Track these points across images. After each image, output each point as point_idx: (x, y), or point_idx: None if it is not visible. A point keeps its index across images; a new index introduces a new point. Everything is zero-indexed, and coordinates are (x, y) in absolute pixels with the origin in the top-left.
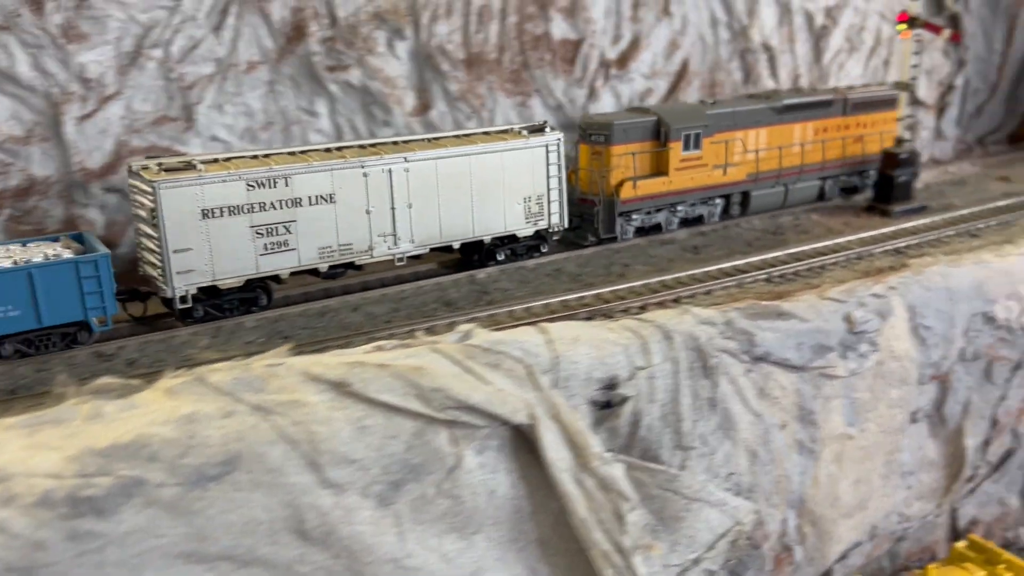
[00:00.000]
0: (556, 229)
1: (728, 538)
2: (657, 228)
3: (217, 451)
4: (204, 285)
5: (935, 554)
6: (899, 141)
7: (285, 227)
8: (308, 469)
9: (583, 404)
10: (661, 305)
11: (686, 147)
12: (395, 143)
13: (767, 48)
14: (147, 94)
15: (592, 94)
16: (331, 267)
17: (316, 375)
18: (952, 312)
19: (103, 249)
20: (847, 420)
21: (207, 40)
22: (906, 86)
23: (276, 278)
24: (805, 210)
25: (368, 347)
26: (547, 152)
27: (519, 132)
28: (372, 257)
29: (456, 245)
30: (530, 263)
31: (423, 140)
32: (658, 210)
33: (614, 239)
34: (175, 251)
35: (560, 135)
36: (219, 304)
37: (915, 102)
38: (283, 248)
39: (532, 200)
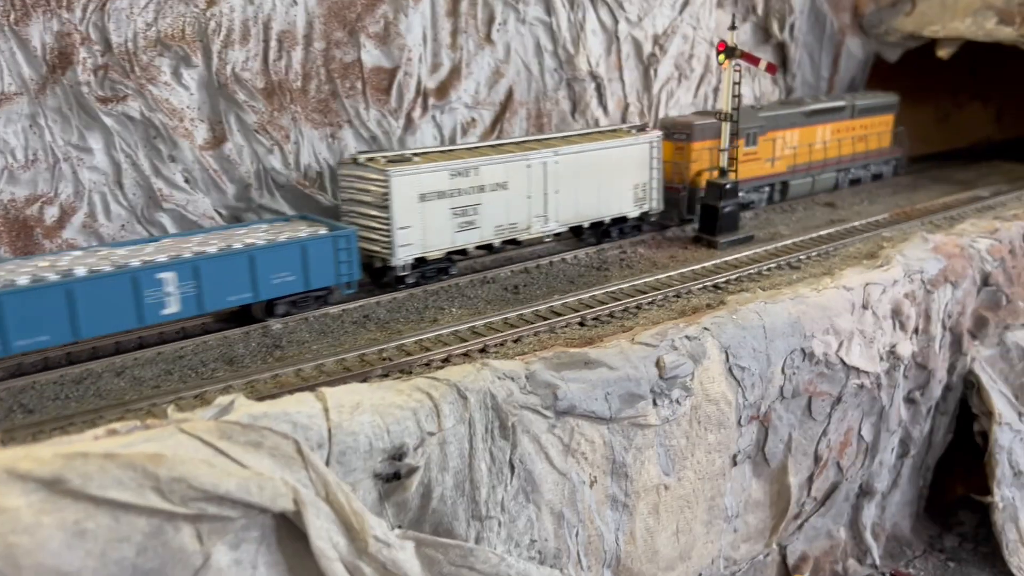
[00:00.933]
0: (655, 211)
1: None
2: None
3: None
4: (417, 256)
5: None
6: (722, 172)
7: (473, 209)
8: None
9: (366, 479)
10: (466, 356)
11: (747, 144)
12: (539, 140)
13: (595, 77)
14: None
15: (409, 125)
16: (502, 242)
17: (23, 472)
18: (768, 350)
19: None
20: (663, 469)
21: None
22: (728, 116)
23: (464, 251)
24: (632, 243)
25: (100, 430)
26: (651, 147)
27: (628, 131)
28: (529, 234)
29: (586, 224)
30: (334, 309)
31: (558, 138)
32: None
33: (691, 220)
34: (400, 228)
35: (659, 133)
36: (424, 272)
37: None
38: (471, 227)
39: (639, 187)
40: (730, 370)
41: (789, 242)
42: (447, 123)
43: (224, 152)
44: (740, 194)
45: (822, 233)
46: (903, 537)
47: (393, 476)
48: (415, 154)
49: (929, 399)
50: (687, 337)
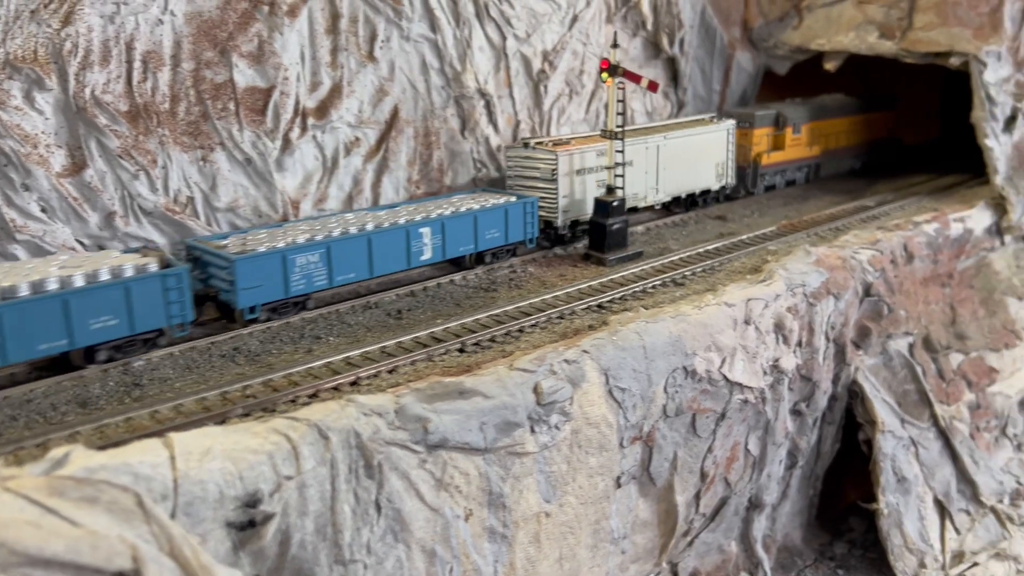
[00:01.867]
0: (729, 185)
1: None
2: (774, 187)
3: None
4: (571, 220)
5: None
6: (609, 189)
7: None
8: None
9: (218, 529)
10: (336, 390)
11: (794, 131)
12: (649, 128)
13: (484, 94)
14: None
15: (287, 146)
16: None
17: None
18: (649, 371)
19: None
20: (544, 496)
21: None
22: (613, 134)
23: None
24: (523, 261)
25: None
26: (727, 133)
27: (711, 120)
28: (645, 202)
29: (683, 195)
30: (202, 343)
31: (663, 125)
32: (775, 174)
33: (752, 193)
34: (563, 196)
35: (733, 122)
36: (564, 236)
37: None
38: None
39: (719, 165)
40: (610, 392)
41: (676, 257)
42: (329, 143)
43: (85, 179)
44: (776, 175)
45: (709, 248)
46: (794, 547)
47: (248, 524)
48: (571, 139)
49: (815, 410)
50: (566, 361)
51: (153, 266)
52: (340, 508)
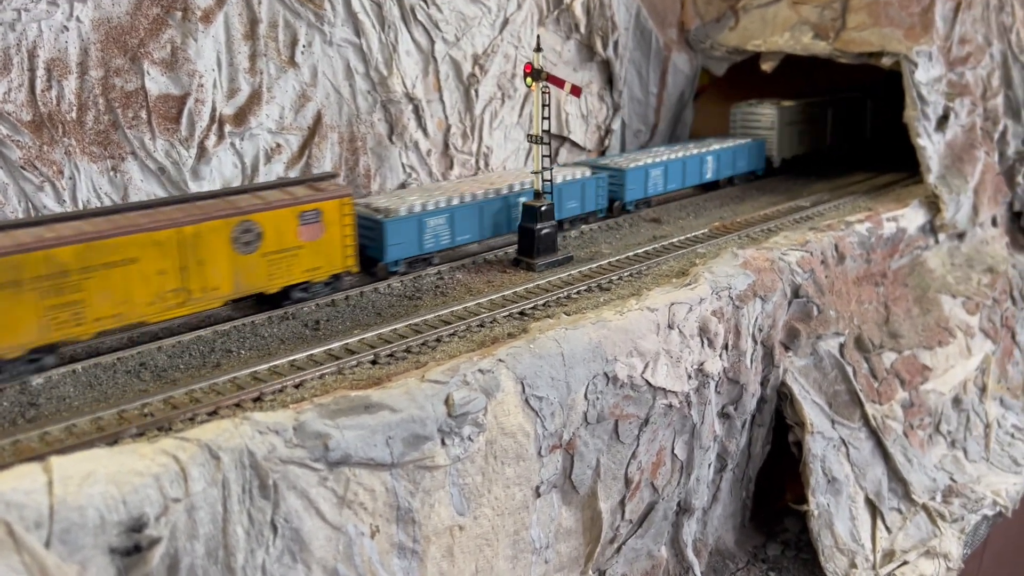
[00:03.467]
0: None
1: None
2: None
3: None
4: (785, 157)
5: None
6: (537, 195)
7: (806, 127)
8: None
9: (100, 555)
10: (238, 407)
11: None
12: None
13: (412, 99)
14: None
15: (203, 154)
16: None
17: None
18: (568, 378)
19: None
20: (457, 509)
21: None
22: (538, 139)
23: (805, 154)
24: (452, 268)
25: None
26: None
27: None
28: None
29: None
30: (107, 359)
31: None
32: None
33: None
34: (776, 142)
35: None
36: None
37: (575, 147)
38: (807, 138)
39: None
40: (527, 401)
41: (606, 262)
42: (248, 150)
43: None
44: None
45: (639, 252)
46: (727, 550)
47: (133, 549)
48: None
49: (744, 413)
50: (480, 371)
51: (588, 172)
52: (232, 530)
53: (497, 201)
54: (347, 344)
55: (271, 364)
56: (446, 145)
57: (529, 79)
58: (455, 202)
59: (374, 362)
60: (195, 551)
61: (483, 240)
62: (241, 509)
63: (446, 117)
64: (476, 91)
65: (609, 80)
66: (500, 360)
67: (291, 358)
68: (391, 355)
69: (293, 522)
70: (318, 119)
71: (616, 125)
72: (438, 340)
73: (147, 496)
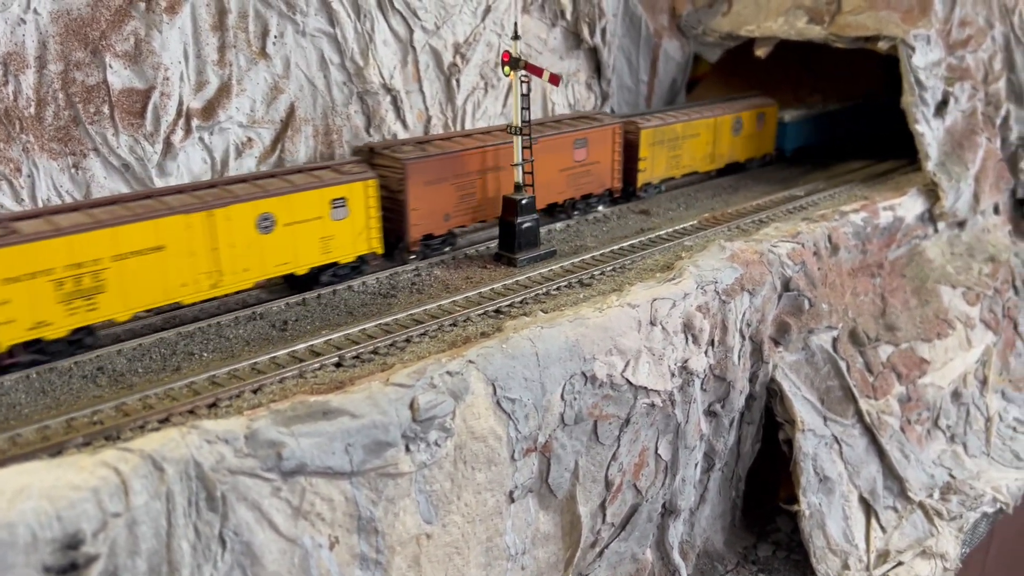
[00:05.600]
0: None
1: None
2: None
3: None
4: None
5: None
6: (517, 187)
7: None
8: None
9: (33, 574)
10: (191, 413)
11: None
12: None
13: (390, 90)
14: None
15: (169, 149)
16: None
17: None
18: (543, 378)
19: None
20: (424, 518)
21: None
22: (517, 129)
23: None
24: (430, 264)
25: None
26: None
27: None
28: None
29: None
30: (64, 363)
31: None
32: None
33: None
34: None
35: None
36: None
37: None
38: None
39: None
40: (498, 403)
41: (589, 256)
42: (218, 144)
43: None
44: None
45: (624, 245)
46: (715, 552)
47: (69, 567)
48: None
49: (731, 410)
50: (448, 372)
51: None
52: (177, 545)
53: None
54: (312, 346)
55: (231, 368)
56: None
57: (507, 68)
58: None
59: (338, 364)
60: (136, 568)
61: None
62: (187, 523)
63: (426, 108)
64: (458, 81)
65: (597, 68)
66: (470, 361)
67: (252, 361)
68: (357, 357)
69: (243, 535)
70: (291, 112)
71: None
72: (408, 340)
73: (84, 511)
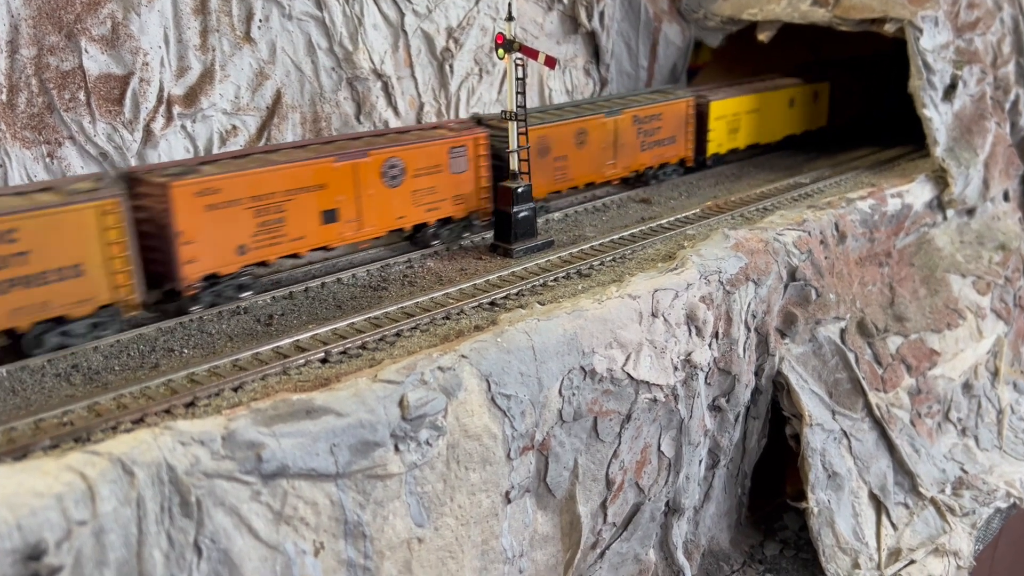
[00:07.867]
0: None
1: None
2: None
3: None
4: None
5: None
6: (514, 175)
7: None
8: None
9: None
10: (168, 413)
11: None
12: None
13: (380, 75)
14: None
15: (149, 137)
16: None
17: None
18: (540, 373)
19: None
20: (415, 520)
21: None
22: (512, 115)
23: None
24: (423, 255)
25: None
26: None
27: None
28: None
29: None
30: (36, 361)
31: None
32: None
33: None
34: None
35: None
36: None
37: None
38: None
39: None
40: (493, 400)
41: (588, 246)
42: (201, 132)
43: None
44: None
45: (624, 235)
46: (721, 551)
47: None
48: None
49: (737, 405)
50: (440, 368)
51: None
52: (149, 554)
53: None
54: (298, 341)
55: (211, 365)
56: (418, 124)
57: (501, 51)
58: None
59: (324, 360)
60: None
61: None
62: (159, 530)
63: (419, 95)
64: (451, 67)
65: (595, 53)
66: (463, 356)
67: (234, 357)
68: (344, 352)
69: (221, 542)
70: (278, 98)
71: None
72: (398, 335)
73: (47, 519)
